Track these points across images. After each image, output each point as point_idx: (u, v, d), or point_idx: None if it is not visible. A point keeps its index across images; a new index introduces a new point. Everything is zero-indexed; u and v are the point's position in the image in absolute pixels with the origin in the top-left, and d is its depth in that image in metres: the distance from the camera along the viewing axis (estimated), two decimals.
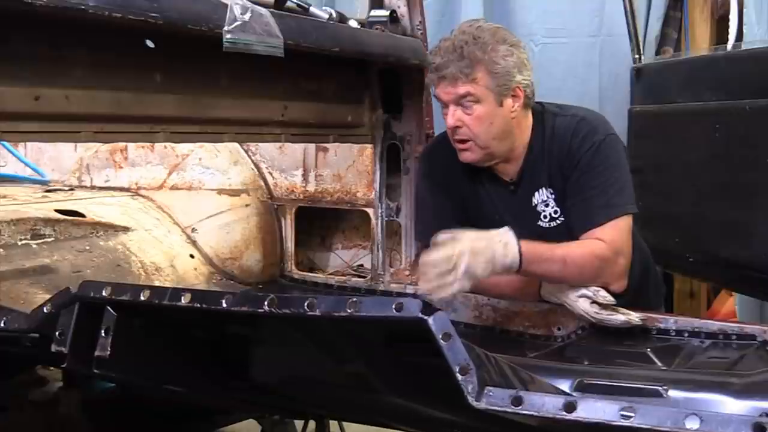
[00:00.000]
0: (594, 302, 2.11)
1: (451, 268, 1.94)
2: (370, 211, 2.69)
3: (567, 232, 2.20)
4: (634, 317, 2.09)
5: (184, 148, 2.84)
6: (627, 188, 2.19)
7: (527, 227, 2.20)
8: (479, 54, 2.10)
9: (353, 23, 2.36)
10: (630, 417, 1.00)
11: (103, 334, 1.29)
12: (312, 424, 2.79)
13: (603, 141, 2.18)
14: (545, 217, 2.24)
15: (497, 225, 2.26)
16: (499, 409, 1.05)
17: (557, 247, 2.10)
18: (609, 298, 2.10)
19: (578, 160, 2.16)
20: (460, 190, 2.33)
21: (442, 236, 2.00)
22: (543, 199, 2.23)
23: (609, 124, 2.27)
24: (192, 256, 2.66)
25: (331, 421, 2.79)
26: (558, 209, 2.22)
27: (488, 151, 2.19)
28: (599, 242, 2.11)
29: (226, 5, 1.75)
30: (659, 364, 1.96)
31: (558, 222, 2.23)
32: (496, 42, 2.14)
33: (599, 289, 2.11)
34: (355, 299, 1.10)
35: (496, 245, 2.00)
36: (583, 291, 2.12)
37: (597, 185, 2.15)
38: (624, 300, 2.16)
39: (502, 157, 2.23)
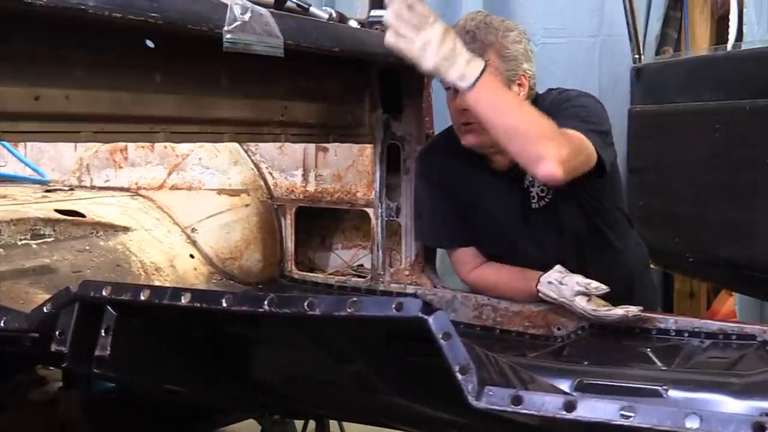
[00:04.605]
0: (591, 299, 2.11)
1: (420, 25, 1.84)
2: (370, 211, 2.69)
3: (555, 214, 2.25)
4: (632, 309, 2.09)
5: (184, 148, 2.83)
6: (596, 129, 2.11)
7: (519, 209, 2.26)
8: (491, 38, 2.13)
9: (353, 23, 2.36)
10: (630, 416, 1.00)
11: (103, 334, 1.29)
12: (312, 424, 2.79)
13: (577, 95, 2.21)
14: (533, 197, 2.27)
15: (494, 214, 2.28)
16: (499, 408, 1.05)
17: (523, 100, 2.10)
18: (601, 287, 2.10)
19: (550, 110, 2.11)
20: (459, 189, 2.34)
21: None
22: (531, 179, 2.24)
23: (595, 98, 2.27)
24: (192, 256, 2.66)
25: (331, 421, 2.79)
26: (544, 188, 2.24)
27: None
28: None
29: (226, 5, 1.75)
30: (659, 364, 1.96)
31: (546, 201, 2.26)
32: (506, 28, 2.18)
33: (590, 281, 2.11)
34: (355, 299, 1.10)
35: (465, 52, 1.89)
36: (578, 288, 2.12)
37: (564, 116, 2.09)
38: (624, 298, 2.17)
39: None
